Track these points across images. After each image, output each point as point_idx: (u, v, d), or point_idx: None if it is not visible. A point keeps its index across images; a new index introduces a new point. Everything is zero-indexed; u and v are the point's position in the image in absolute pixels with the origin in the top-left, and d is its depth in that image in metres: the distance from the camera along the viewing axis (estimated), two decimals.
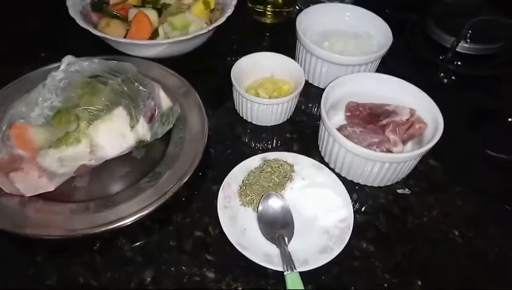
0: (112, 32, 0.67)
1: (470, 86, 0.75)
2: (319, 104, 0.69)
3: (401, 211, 0.56)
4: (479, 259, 0.51)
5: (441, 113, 0.57)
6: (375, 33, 0.73)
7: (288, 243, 0.48)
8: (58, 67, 0.55)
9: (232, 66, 0.64)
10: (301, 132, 0.65)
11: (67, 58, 0.56)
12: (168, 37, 0.69)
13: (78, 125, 0.48)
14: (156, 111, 0.56)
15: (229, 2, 0.74)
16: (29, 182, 0.48)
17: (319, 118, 0.66)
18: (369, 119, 0.61)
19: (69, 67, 0.54)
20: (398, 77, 0.62)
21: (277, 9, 0.86)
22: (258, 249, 0.48)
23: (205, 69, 0.75)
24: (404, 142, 0.59)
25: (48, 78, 0.53)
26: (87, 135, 0.49)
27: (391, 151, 0.57)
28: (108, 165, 0.55)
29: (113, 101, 0.50)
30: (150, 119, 0.55)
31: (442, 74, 0.75)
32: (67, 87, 0.51)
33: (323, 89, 0.67)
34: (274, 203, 0.51)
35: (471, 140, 0.64)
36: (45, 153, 0.47)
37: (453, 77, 0.76)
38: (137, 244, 0.50)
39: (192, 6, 0.72)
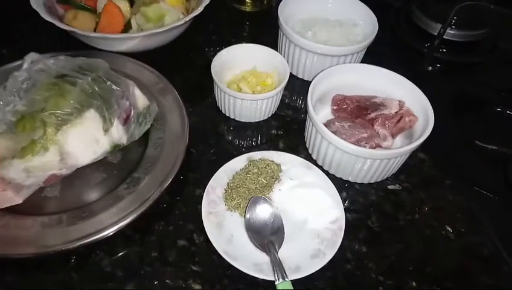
0: (79, 25, 0.62)
1: (457, 73, 0.74)
2: (304, 97, 0.66)
3: (393, 207, 0.54)
4: (472, 254, 0.50)
5: (431, 106, 0.55)
6: (360, 21, 0.70)
7: (279, 249, 0.46)
8: (21, 66, 0.50)
9: (211, 59, 0.61)
10: (287, 127, 0.63)
11: (31, 56, 0.51)
12: (142, 30, 0.64)
13: (44, 132, 0.43)
14: (132, 111, 0.51)
15: None
16: None
17: (304, 111, 0.63)
18: (357, 112, 0.59)
19: (33, 66, 0.49)
20: (384, 66, 0.60)
21: None
22: (247, 258, 0.45)
23: (183, 63, 0.71)
24: (393, 135, 0.57)
25: (9, 78, 0.48)
26: (56, 142, 0.44)
27: (381, 146, 0.55)
28: (82, 172, 0.51)
29: (84, 103, 0.46)
30: (125, 121, 0.51)
31: (428, 62, 0.73)
32: (31, 89, 0.46)
33: (308, 81, 0.65)
34: (262, 209, 0.48)
35: (460, 131, 0.63)
36: (9, 163, 0.43)
37: (438, 65, 0.75)
38: (116, 257, 0.47)
39: None
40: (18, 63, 0.58)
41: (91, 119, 0.46)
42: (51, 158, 0.44)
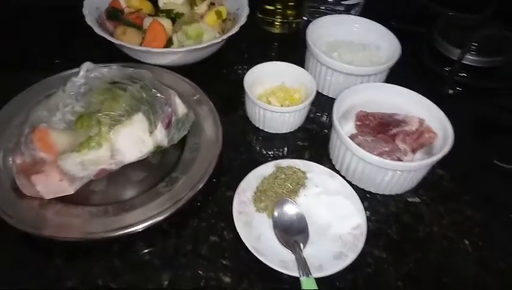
0: (128, 40, 0.68)
1: (476, 97, 0.77)
2: (328, 112, 0.71)
3: (412, 219, 0.57)
4: (489, 267, 0.52)
5: (450, 123, 0.58)
6: (383, 44, 0.75)
7: (303, 249, 0.49)
8: (77, 73, 0.56)
9: (241, 75, 0.66)
10: (312, 139, 0.67)
11: (86, 65, 0.57)
12: (182, 46, 0.70)
13: (99, 130, 0.49)
14: (173, 117, 0.57)
15: (241, 12, 0.76)
16: (50, 185, 0.49)
17: (328, 126, 0.67)
18: (379, 128, 0.62)
19: (89, 73, 0.55)
20: (405, 87, 0.64)
21: (285, 20, 0.87)
22: (274, 255, 0.49)
23: (217, 77, 0.76)
24: (414, 151, 0.60)
25: (67, 83, 0.55)
26: (108, 140, 0.50)
27: (401, 160, 0.58)
28: (125, 169, 0.55)
29: (133, 106, 0.52)
30: (167, 125, 0.56)
31: (448, 85, 0.76)
32: (88, 93, 0.52)
33: (332, 98, 0.69)
34: (289, 210, 0.52)
35: (478, 150, 0.65)
36: (67, 156, 0.48)
37: (458, 88, 0.78)
38: (154, 247, 0.51)
39: (205, 15, 0.74)
40: (73, 71, 0.64)
41: (139, 121, 0.52)
42: (103, 153, 0.50)
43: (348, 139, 0.56)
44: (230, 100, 0.72)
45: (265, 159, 0.61)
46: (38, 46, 0.80)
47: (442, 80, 0.77)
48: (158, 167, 0.58)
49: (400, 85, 0.65)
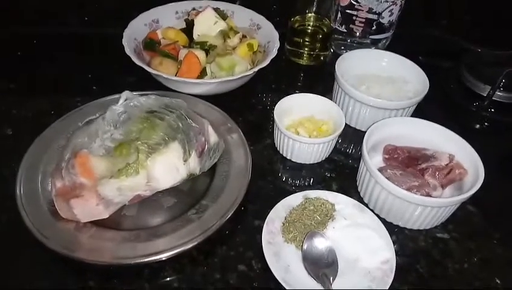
0: (164, 70, 0.71)
1: (505, 133, 0.76)
2: (355, 144, 0.71)
3: (441, 255, 0.56)
4: None
5: (480, 160, 0.58)
6: (411, 79, 0.76)
7: (333, 282, 0.49)
8: (115, 100, 0.59)
9: (269, 105, 0.68)
10: (339, 171, 0.67)
11: (126, 94, 0.59)
12: (215, 76, 0.73)
13: (137, 157, 0.51)
14: (206, 146, 0.58)
15: (272, 44, 0.78)
16: (87, 209, 0.51)
17: (356, 158, 0.68)
18: (408, 162, 0.63)
19: (128, 102, 0.57)
20: (432, 121, 0.64)
21: (313, 53, 0.90)
22: (302, 287, 0.49)
23: (246, 107, 0.78)
24: (443, 186, 0.60)
25: (107, 111, 0.57)
26: (145, 167, 0.51)
27: (431, 195, 0.58)
28: (156, 196, 0.57)
29: (170, 135, 0.54)
30: (201, 154, 0.58)
31: (476, 121, 0.76)
32: (127, 121, 0.54)
33: (359, 130, 0.70)
34: (318, 242, 0.52)
35: (509, 187, 0.64)
36: (106, 182, 0.50)
37: (487, 124, 0.78)
38: (182, 274, 0.52)
39: (237, 48, 0.77)
40: (111, 97, 0.68)
41: (175, 149, 0.54)
42: (140, 180, 0.51)
43: (377, 172, 0.56)
44: (258, 129, 0.74)
45: (292, 189, 0.61)
46: (77, 72, 0.84)
47: (470, 115, 0.77)
48: (188, 194, 0.59)
49: (428, 120, 0.65)
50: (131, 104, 0.57)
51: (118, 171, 0.50)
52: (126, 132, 0.53)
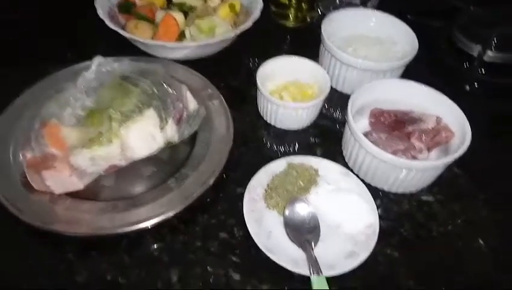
0: (139, 34, 0.68)
1: (495, 94, 0.74)
2: (342, 108, 0.69)
3: (426, 218, 0.56)
4: (503, 268, 0.51)
5: (468, 123, 0.56)
6: (400, 39, 0.73)
7: (314, 247, 0.48)
8: (88, 67, 0.56)
9: (254, 69, 0.65)
10: (324, 136, 0.66)
11: (98, 59, 0.57)
12: (195, 40, 0.70)
13: (110, 126, 0.49)
14: (184, 113, 0.56)
15: (255, 5, 0.75)
16: (60, 180, 0.49)
17: (341, 122, 0.66)
18: (394, 126, 0.61)
19: (100, 68, 0.55)
20: (422, 84, 0.62)
21: (300, 14, 0.86)
22: (284, 253, 0.48)
23: (228, 71, 0.75)
24: (429, 149, 0.59)
25: (78, 78, 0.55)
26: (119, 136, 0.49)
27: (416, 159, 0.57)
28: (134, 165, 0.55)
29: (144, 102, 0.51)
30: (178, 121, 0.55)
31: (467, 82, 0.74)
32: (99, 88, 0.52)
33: (345, 94, 0.68)
34: (301, 208, 0.51)
35: (496, 148, 0.63)
36: (78, 152, 0.48)
37: (477, 85, 0.76)
38: (163, 244, 0.51)
39: (218, 9, 0.73)
40: (84, 64, 0.64)
41: (150, 117, 0.51)
42: (113, 150, 0.49)
43: (362, 136, 0.54)
44: (242, 95, 0.72)
45: (276, 156, 0.60)
46: (49, 38, 0.80)
47: (461, 76, 0.75)
48: (168, 162, 0.57)
49: (416, 81, 0.63)
50: (104, 69, 0.54)
51: (90, 140, 0.48)
52: (98, 99, 0.51)
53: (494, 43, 0.74)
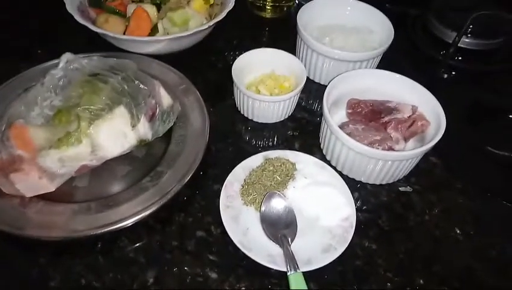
0: (110, 28, 0.66)
1: (471, 81, 0.75)
2: (320, 100, 0.69)
3: (403, 208, 0.56)
4: (480, 256, 0.52)
5: (443, 111, 0.56)
6: (377, 28, 0.72)
7: (291, 242, 0.48)
8: (56, 65, 0.54)
9: (231, 62, 0.64)
10: (302, 129, 0.65)
11: (66, 56, 0.55)
12: (168, 33, 0.68)
13: (79, 125, 0.47)
14: (157, 109, 0.55)
15: None
16: (30, 183, 0.48)
17: (320, 114, 0.66)
18: (371, 116, 0.61)
19: (68, 65, 0.53)
20: (399, 72, 0.62)
21: (277, 4, 0.85)
22: (261, 249, 0.48)
23: (204, 65, 0.74)
24: (406, 139, 0.59)
25: (46, 76, 0.53)
26: (88, 135, 0.48)
27: (393, 149, 0.57)
28: (109, 164, 0.54)
29: (114, 100, 0.50)
30: (151, 118, 0.54)
31: (443, 69, 0.74)
32: (67, 86, 0.50)
33: (324, 85, 0.67)
34: (277, 203, 0.51)
35: (472, 137, 0.64)
36: (46, 153, 0.46)
37: (453, 72, 0.76)
38: (139, 244, 0.50)
39: (191, 1, 0.71)
40: (53, 62, 0.62)
41: (120, 115, 0.50)
42: (83, 149, 0.48)
43: (337, 128, 0.54)
44: (218, 89, 0.70)
45: (254, 150, 0.59)
46: (18, 35, 0.77)
47: (437, 64, 0.75)
48: (143, 161, 0.56)
49: (393, 71, 0.63)
50: (72, 67, 0.53)
51: (58, 140, 0.47)
52: (65, 97, 0.49)
53: (469, 29, 0.74)
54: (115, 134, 0.50)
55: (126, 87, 0.52)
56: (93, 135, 0.48)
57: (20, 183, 0.48)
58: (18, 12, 0.82)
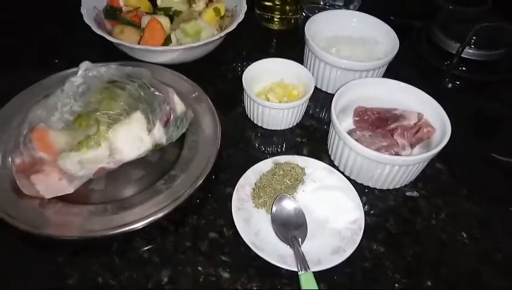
0: (126, 38, 0.68)
1: (475, 90, 0.77)
2: (327, 108, 0.71)
3: (410, 213, 0.57)
4: (486, 260, 0.53)
5: (448, 117, 0.58)
6: (382, 39, 0.75)
7: (302, 244, 0.49)
8: (75, 73, 0.57)
9: (240, 72, 0.66)
10: (311, 136, 0.67)
11: (85, 64, 0.57)
12: (181, 44, 0.71)
13: (98, 129, 0.49)
14: (171, 115, 0.57)
15: (239, 9, 0.76)
16: (50, 184, 0.50)
17: (327, 122, 0.67)
18: (378, 123, 0.62)
19: (87, 72, 0.55)
20: (404, 82, 0.64)
21: (284, 16, 0.87)
22: (272, 250, 0.49)
23: (215, 75, 0.76)
24: (412, 145, 0.60)
25: (65, 83, 0.55)
26: (107, 139, 0.50)
27: (400, 155, 0.58)
28: (124, 168, 0.56)
29: (131, 105, 0.52)
30: (166, 123, 0.56)
31: (447, 79, 0.76)
32: (86, 93, 0.52)
33: (331, 94, 0.69)
34: (287, 205, 0.53)
35: (477, 144, 0.65)
36: (66, 155, 0.48)
37: (457, 82, 0.78)
38: (153, 245, 0.51)
39: (203, 13, 0.74)
40: (70, 70, 0.65)
41: (137, 120, 0.52)
42: (102, 152, 0.50)
43: (346, 134, 0.56)
44: (229, 97, 0.73)
45: (264, 156, 0.61)
46: (37, 45, 0.80)
47: (441, 74, 0.77)
48: (157, 165, 0.58)
49: (399, 80, 0.64)
50: (91, 74, 0.55)
51: (78, 143, 0.49)
52: (85, 103, 0.51)
53: (472, 40, 0.77)
54: (132, 138, 0.52)
55: (142, 94, 0.54)
56: (111, 139, 0.50)
57: (40, 185, 0.50)
58: (35, 23, 0.85)
